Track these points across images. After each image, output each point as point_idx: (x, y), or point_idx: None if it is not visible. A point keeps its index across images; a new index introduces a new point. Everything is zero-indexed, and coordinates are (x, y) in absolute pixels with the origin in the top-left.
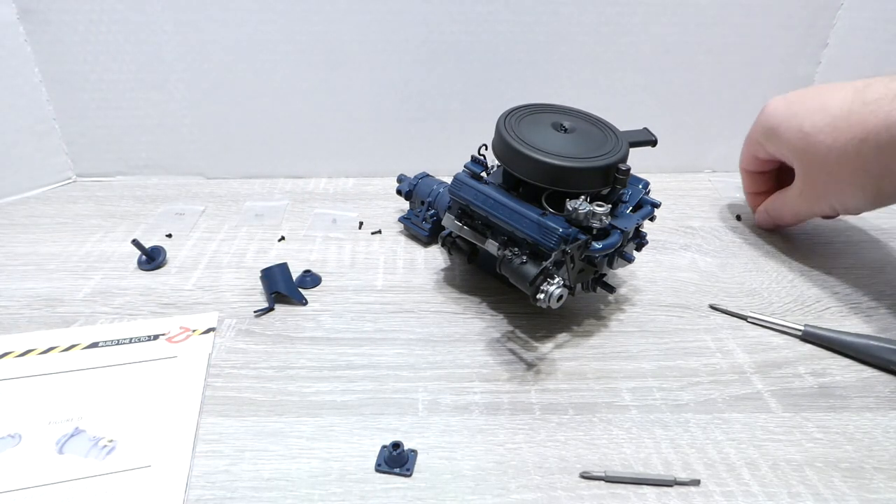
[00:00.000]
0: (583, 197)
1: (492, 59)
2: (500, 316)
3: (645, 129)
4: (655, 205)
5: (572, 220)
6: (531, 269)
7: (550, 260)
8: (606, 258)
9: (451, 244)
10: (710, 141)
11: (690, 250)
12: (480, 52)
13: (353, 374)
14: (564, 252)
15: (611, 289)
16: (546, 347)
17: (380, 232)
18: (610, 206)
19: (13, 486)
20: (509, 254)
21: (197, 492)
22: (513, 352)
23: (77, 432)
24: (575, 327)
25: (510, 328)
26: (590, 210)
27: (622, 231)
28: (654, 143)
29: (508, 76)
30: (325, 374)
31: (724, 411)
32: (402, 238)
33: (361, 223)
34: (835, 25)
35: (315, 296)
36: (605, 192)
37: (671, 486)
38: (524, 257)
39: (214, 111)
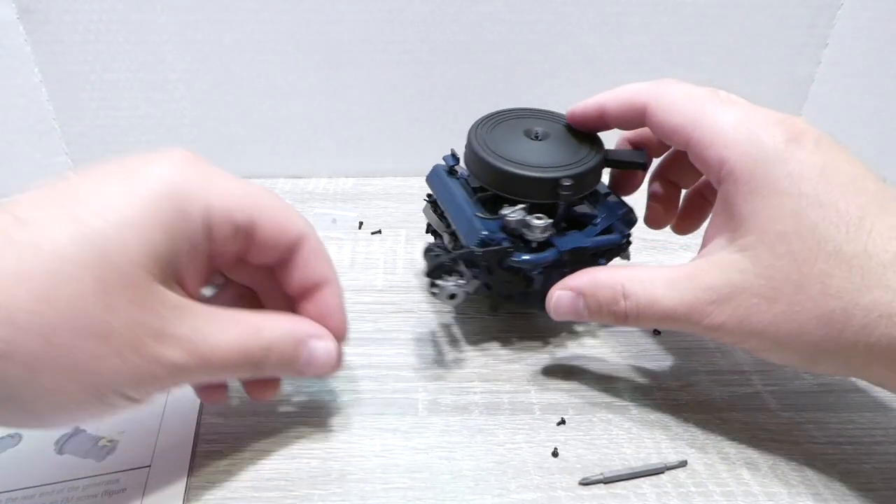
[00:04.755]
0: (521, 206)
1: (492, 59)
2: (501, 316)
3: (643, 150)
4: (624, 234)
5: (504, 226)
6: (434, 261)
7: (450, 255)
8: (545, 274)
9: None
10: None
11: (690, 250)
12: (480, 52)
13: (353, 374)
14: (473, 253)
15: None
16: (546, 347)
17: (380, 232)
18: (551, 220)
19: (13, 486)
20: (433, 246)
21: (197, 492)
22: (513, 352)
23: (77, 432)
24: (575, 327)
25: (510, 328)
26: (522, 219)
27: (559, 250)
28: (643, 166)
29: (509, 76)
30: None
31: (723, 411)
32: (402, 238)
33: (361, 223)
34: (835, 25)
35: None
36: (575, 204)
37: (662, 472)
38: (447, 251)
39: (214, 111)
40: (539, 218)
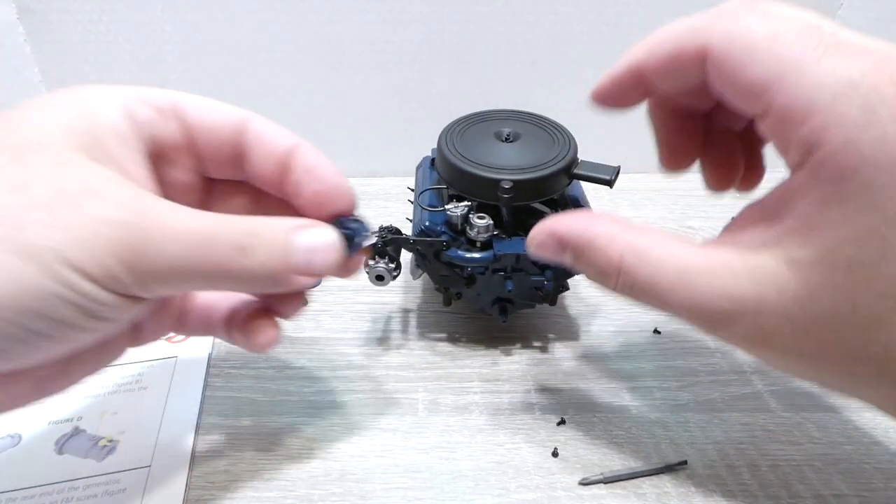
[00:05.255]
0: (466, 203)
1: (492, 59)
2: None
3: (616, 167)
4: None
5: (448, 221)
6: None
7: (384, 238)
8: (486, 276)
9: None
10: None
11: None
12: (480, 52)
13: (353, 374)
14: (406, 240)
15: (502, 318)
16: (546, 347)
17: None
18: (492, 222)
19: (13, 486)
20: (383, 227)
21: (197, 492)
22: (513, 352)
23: (77, 432)
24: (575, 327)
25: (510, 328)
26: (461, 215)
27: (494, 252)
28: (608, 183)
29: (509, 76)
30: (325, 374)
31: (723, 411)
32: None
33: None
34: None
35: (315, 296)
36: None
37: (662, 472)
38: (394, 234)
39: None
40: (481, 217)
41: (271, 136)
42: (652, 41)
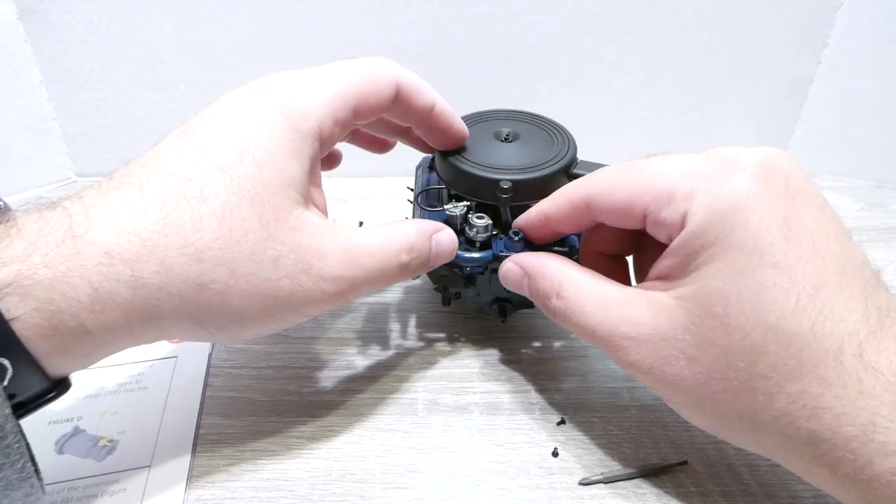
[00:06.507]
0: (465, 203)
1: (492, 59)
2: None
3: (605, 166)
4: (575, 249)
5: (447, 221)
6: None
7: None
8: (486, 276)
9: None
10: (709, 141)
11: None
12: (480, 52)
13: (352, 374)
14: None
15: (501, 318)
16: (546, 347)
17: None
18: (491, 222)
19: None
20: None
21: (197, 492)
22: (513, 352)
23: (77, 432)
24: None
25: (510, 328)
26: (460, 215)
27: (493, 252)
28: None
29: (508, 76)
30: (324, 374)
31: None
32: None
33: (361, 223)
34: (835, 25)
35: None
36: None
37: (662, 472)
38: None
39: None
40: (480, 217)
41: (417, 98)
42: (551, 198)
